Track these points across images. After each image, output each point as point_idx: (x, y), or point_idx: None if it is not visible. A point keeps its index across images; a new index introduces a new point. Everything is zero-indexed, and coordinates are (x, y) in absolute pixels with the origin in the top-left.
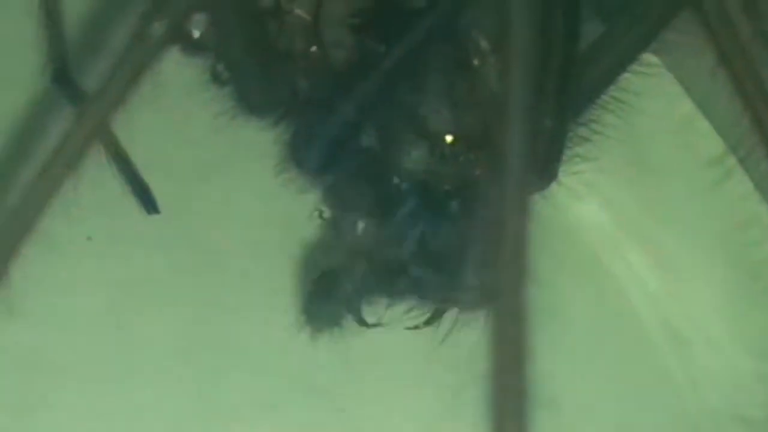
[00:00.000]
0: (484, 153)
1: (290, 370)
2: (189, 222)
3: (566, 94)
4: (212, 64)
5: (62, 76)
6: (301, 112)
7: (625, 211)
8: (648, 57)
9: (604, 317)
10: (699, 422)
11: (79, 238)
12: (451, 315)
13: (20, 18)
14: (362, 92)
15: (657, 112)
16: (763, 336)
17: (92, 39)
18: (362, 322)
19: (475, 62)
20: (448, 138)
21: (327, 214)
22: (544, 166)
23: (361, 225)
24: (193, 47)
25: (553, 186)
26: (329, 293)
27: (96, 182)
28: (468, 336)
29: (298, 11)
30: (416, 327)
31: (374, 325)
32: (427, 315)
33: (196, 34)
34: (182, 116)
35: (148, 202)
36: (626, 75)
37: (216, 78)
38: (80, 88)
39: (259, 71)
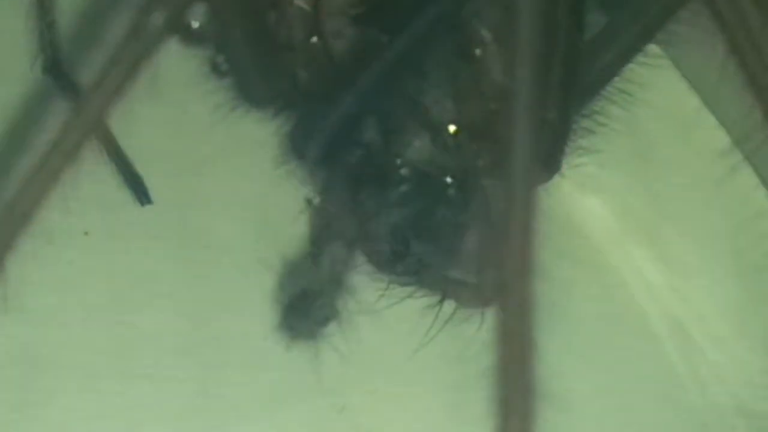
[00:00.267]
0: (487, 143)
1: (291, 367)
2: (188, 215)
3: (571, 85)
4: (211, 55)
5: (54, 68)
6: (301, 104)
7: (629, 205)
8: (653, 48)
9: (609, 312)
10: (705, 417)
11: (76, 232)
12: (452, 310)
13: (15, 8)
14: (363, 83)
15: (662, 105)
16: None
17: (88, 30)
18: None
19: (477, 52)
20: (451, 128)
21: (316, 201)
22: (548, 159)
23: (360, 214)
24: (192, 38)
25: (557, 178)
26: (307, 311)
27: (92, 176)
28: (472, 332)
29: (298, 1)
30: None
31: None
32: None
33: (195, 24)
34: (181, 108)
35: (141, 193)
36: (631, 66)
37: (215, 69)
38: (72, 80)
39: (259, 62)
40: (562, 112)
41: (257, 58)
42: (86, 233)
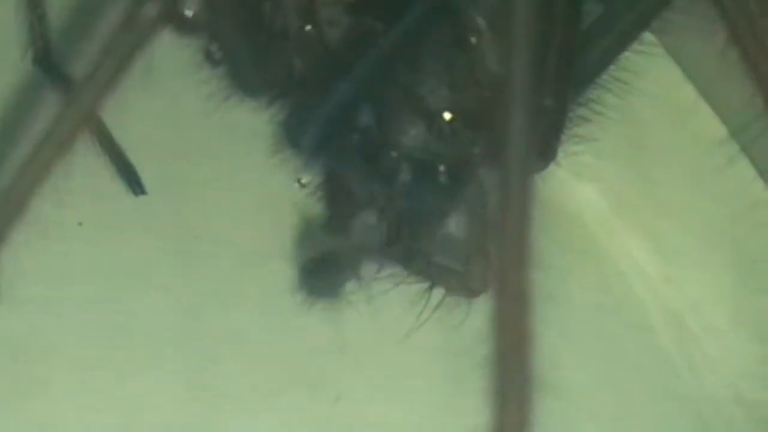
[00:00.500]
0: (483, 131)
1: (287, 358)
2: (182, 205)
3: (566, 73)
4: (205, 44)
5: (45, 60)
6: (295, 92)
7: (625, 193)
8: (649, 37)
9: (605, 301)
10: (701, 406)
11: (69, 223)
12: (440, 298)
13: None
14: (358, 71)
15: (658, 94)
16: (765, 319)
17: (79, 21)
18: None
19: (473, 40)
20: (446, 116)
21: (306, 180)
22: (544, 147)
23: (356, 204)
24: (185, 27)
25: (553, 167)
26: (328, 271)
27: (85, 167)
28: (466, 321)
29: None
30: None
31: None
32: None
33: (189, 13)
34: (175, 97)
35: (134, 183)
36: (627, 55)
37: (209, 58)
38: (63, 71)
39: (253, 51)
40: (557, 100)
41: (251, 47)
42: (80, 224)
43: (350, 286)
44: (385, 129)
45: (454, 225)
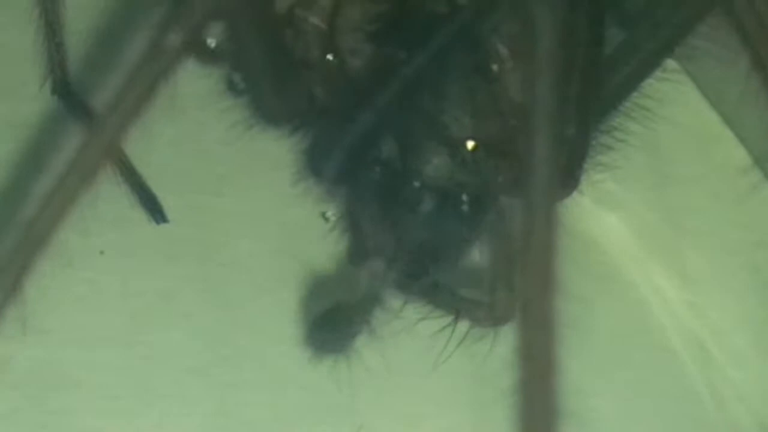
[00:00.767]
0: (506, 160)
1: (309, 386)
2: (205, 234)
3: (589, 101)
4: (228, 73)
5: (63, 89)
6: (317, 122)
7: (648, 221)
8: (672, 64)
9: (628, 329)
10: None
11: (92, 252)
12: (466, 329)
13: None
14: (380, 100)
15: (681, 121)
16: None
17: (102, 50)
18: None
19: (495, 68)
20: (469, 144)
21: (331, 215)
22: (566, 175)
23: (379, 232)
24: (208, 56)
25: (575, 195)
26: (337, 326)
27: (107, 195)
28: (491, 350)
29: (313, 19)
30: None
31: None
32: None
33: (212, 43)
34: (197, 126)
35: (156, 211)
36: (650, 82)
37: (232, 87)
38: (82, 101)
39: (275, 80)
40: (580, 127)
41: (273, 76)
42: (102, 252)
43: (360, 339)
44: (408, 158)
45: (478, 254)
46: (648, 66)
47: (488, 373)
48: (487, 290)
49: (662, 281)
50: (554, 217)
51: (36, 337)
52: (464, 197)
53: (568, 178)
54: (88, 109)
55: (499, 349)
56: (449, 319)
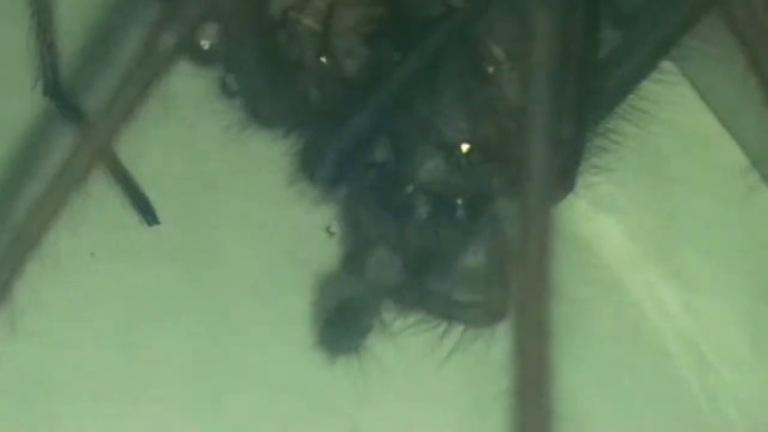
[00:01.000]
0: (501, 162)
1: (304, 388)
2: (197, 235)
3: (585, 103)
4: (222, 75)
5: (54, 90)
6: (312, 123)
7: (643, 223)
8: (668, 65)
9: (623, 332)
10: None
11: (82, 253)
12: (461, 332)
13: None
14: (375, 102)
15: (677, 122)
16: None
17: (94, 51)
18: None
19: (490, 70)
20: (464, 147)
21: (334, 229)
22: (562, 177)
23: (375, 239)
24: (202, 58)
25: (571, 197)
26: (347, 322)
27: (97, 197)
28: (486, 353)
29: (307, 21)
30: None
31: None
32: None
33: (206, 44)
34: (190, 128)
35: (147, 213)
36: (646, 83)
37: (225, 89)
38: (73, 102)
39: (270, 82)
40: (576, 130)
41: (267, 78)
42: (92, 254)
43: (371, 336)
44: (402, 161)
45: (473, 256)
46: (644, 68)
47: (483, 376)
48: (481, 290)
49: (658, 283)
50: (549, 220)
51: (25, 339)
52: (459, 200)
53: (564, 180)
54: (80, 110)
55: (493, 352)
56: (443, 324)
